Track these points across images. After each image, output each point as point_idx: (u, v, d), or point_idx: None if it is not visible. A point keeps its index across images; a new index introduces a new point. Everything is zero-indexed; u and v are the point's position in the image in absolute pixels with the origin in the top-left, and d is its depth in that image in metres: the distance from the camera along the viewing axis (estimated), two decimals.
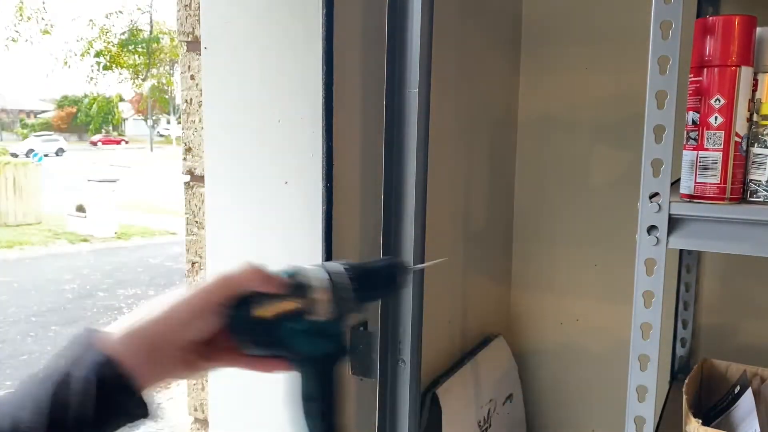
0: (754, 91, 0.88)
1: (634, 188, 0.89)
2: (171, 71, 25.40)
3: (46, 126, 32.74)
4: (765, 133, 0.88)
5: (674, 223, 0.88)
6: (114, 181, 11.68)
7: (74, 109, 30.74)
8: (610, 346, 1.69)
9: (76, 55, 22.77)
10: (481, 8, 1.52)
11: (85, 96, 28.33)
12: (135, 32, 24.10)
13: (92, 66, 22.91)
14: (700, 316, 1.57)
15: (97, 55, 22.76)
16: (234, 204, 1.08)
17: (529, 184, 1.76)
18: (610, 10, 1.62)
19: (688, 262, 1.55)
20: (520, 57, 1.74)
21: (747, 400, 1.17)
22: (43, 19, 21.95)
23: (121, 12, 23.44)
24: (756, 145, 0.89)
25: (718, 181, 0.88)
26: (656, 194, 0.87)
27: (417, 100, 0.97)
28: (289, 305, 0.64)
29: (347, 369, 1.09)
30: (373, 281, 0.71)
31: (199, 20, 1.09)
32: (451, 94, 1.40)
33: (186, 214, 1.21)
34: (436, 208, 1.18)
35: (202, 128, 1.12)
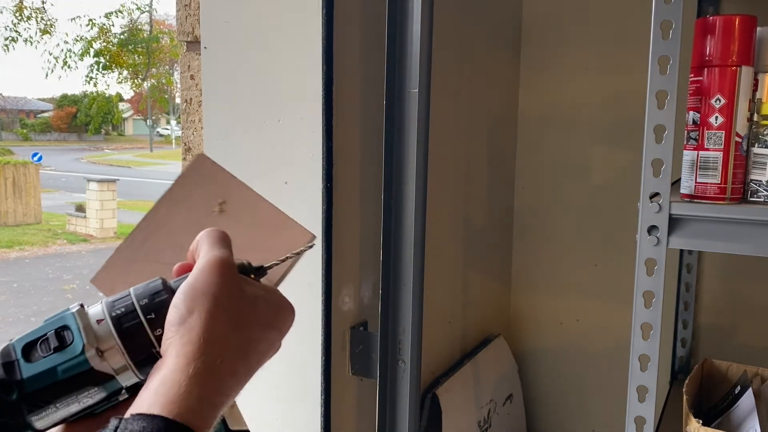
0: (754, 91, 0.88)
1: (635, 188, 0.89)
2: (171, 71, 25.39)
3: (46, 126, 32.73)
4: (765, 133, 0.88)
5: (675, 223, 0.88)
6: (114, 181, 11.68)
7: (74, 109, 30.72)
8: (611, 346, 1.68)
9: (75, 54, 22.75)
10: (481, 8, 1.52)
11: (85, 96, 28.32)
12: (135, 32, 24.09)
13: (92, 66, 22.91)
14: (700, 316, 1.57)
15: (97, 54, 22.74)
16: None
17: (529, 184, 1.76)
18: (610, 10, 1.62)
19: (688, 262, 1.55)
20: (520, 57, 1.74)
21: (747, 400, 1.17)
22: (42, 18, 21.93)
23: (120, 11, 23.41)
24: (756, 145, 0.89)
25: (719, 181, 0.88)
26: (657, 194, 0.87)
27: (417, 100, 0.97)
28: None
29: (347, 369, 1.09)
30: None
31: (198, 20, 1.09)
32: (451, 94, 1.40)
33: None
34: (436, 207, 1.18)
35: (202, 128, 1.12)
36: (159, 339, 0.49)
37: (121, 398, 0.50)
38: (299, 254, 0.60)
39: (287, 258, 0.59)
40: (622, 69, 1.60)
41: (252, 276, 0.55)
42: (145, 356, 0.49)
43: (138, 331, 0.49)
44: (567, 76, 1.69)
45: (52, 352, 0.48)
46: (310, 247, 0.61)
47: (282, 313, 0.54)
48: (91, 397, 0.48)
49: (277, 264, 0.58)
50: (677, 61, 0.83)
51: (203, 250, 0.52)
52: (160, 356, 0.48)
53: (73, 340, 0.48)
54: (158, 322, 0.49)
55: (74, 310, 0.50)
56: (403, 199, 1.00)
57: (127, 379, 0.49)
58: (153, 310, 0.50)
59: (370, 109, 1.06)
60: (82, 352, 0.48)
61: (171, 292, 0.51)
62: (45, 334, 0.49)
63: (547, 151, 1.73)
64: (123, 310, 0.50)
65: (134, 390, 0.49)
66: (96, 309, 0.50)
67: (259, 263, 0.56)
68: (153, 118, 29.34)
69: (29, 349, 0.49)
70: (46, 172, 17.08)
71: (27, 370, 0.47)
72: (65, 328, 0.49)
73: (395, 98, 0.99)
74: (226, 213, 0.66)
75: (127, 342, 0.49)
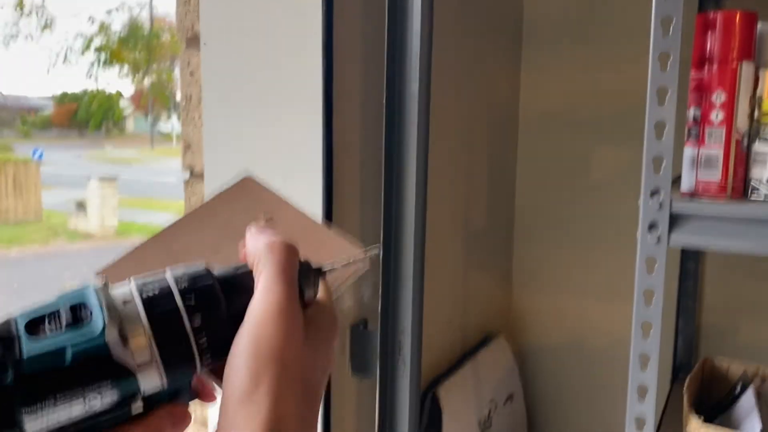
0: (755, 87, 0.88)
1: (635, 186, 0.88)
2: (171, 68, 25.39)
3: (47, 123, 32.72)
4: (766, 129, 0.88)
5: (675, 220, 0.87)
6: (115, 178, 11.68)
7: (74, 106, 30.68)
8: (611, 345, 1.68)
9: (76, 51, 22.77)
10: (481, 6, 1.51)
11: (86, 92, 28.33)
12: (135, 28, 24.10)
13: (92, 62, 22.93)
14: (701, 314, 1.57)
15: (97, 51, 22.76)
16: None
17: (530, 183, 1.76)
18: (611, 6, 1.61)
19: (689, 260, 1.54)
20: (521, 54, 1.73)
21: (748, 398, 1.17)
22: (43, 15, 21.94)
23: (121, 8, 23.46)
24: (758, 141, 0.88)
25: (720, 179, 0.87)
26: (657, 191, 0.87)
27: (417, 98, 0.97)
28: None
29: (347, 368, 1.08)
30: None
31: (198, 16, 1.09)
32: (451, 92, 1.39)
33: (186, 211, 1.21)
34: (436, 207, 1.18)
35: (202, 125, 1.11)
36: (196, 331, 0.41)
37: (133, 411, 0.41)
38: (362, 260, 0.52)
39: (349, 263, 0.51)
40: (623, 65, 1.60)
41: (310, 277, 0.47)
42: (177, 352, 0.41)
43: (173, 318, 0.40)
44: (567, 74, 1.68)
45: (63, 329, 0.39)
46: (376, 252, 0.54)
47: (334, 338, 0.47)
48: (101, 396, 0.39)
49: (335, 269, 0.50)
50: (678, 57, 0.83)
51: (264, 278, 0.44)
52: (194, 359, 0.41)
53: (91, 318, 0.39)
54: (198, 311, 0.41)
55: (97, 286, 0.41)
56: (403, 199, 1.00)
57: (148, 381, 0.40)
58: (194, 295, 0.41)
59: (370, 108, 1.06)
60: (102, 332, 0.38)
61: (215, 279, 0.43)
62: (57, 310, 0.40)
63: (548, 149, 1.73)
64: (157, 292, 0.41)
65: (149, 405, 0.42)
66: (123, 289, 0.41)
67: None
68: (154, 114, 29.31)
69: (35, 325, 0.39)
70: (47, 170, 17.08)
71: (29, 347, 0.38)
72: (82, 305, 0.40)
73: (395, 97, 0.98)
74: (272, 226, 0.59)
75: (157, 329, 0.40)
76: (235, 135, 1.06)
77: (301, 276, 0.46)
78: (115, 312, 0.39)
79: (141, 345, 0.39)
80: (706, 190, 0.88)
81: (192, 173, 1.20)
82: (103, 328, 0.38)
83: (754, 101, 0.88)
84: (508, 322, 1.80)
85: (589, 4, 1.64)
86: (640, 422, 0.90)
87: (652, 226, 0.88)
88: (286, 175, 1.02)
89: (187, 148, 1.21)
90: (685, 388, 1.18)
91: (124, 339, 0.39)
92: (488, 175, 1.64)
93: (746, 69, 0.86)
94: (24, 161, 12.61)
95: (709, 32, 0.87)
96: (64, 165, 20.68)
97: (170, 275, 0.42)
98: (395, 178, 1.00)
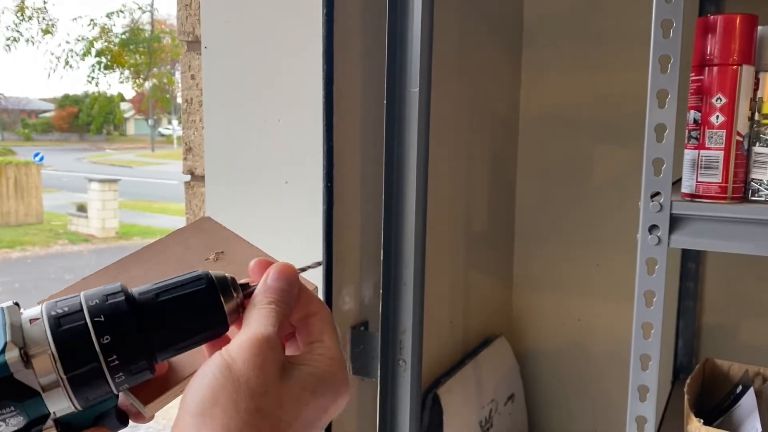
0: (755, 90, 0.88)
1: (636, 187, 0.88)
2: (172, 71, 25.40)
3: (48, 126, 32.72)
4: (766, 132, 0.88)
5: (676, 222, 0.87)
6: (115, 181, 11.69)
7: (75, 109, 30.67)
8: (612, 345, 1.68)
9: (77, 54, 22.80)
10: (482, 7, 1.52)
11: (87, 96, 28.32)
12: (136, 31, 24.13)
13: (93, 66, 22.95)
14: (702, 315, 1.57)
15: (98, 54, 22.78)
16: (234, 204, 1.08)
17: (531, 184, 1.76)
18: (611, 8, 1.62)
19: (690, 261, 1.54)
20: (522, 56, 1.73)
21: (749, 399, 1.17)
22: (44, 18, 21.98)
23: (122, 11, 23.49)
24: (758, 144, 0.88)
25: (720, 180, 0.88)
26: (657, 193, 0.87)
27: (417, 99, 0.97)
28: None
29: (348, 370, 1.08)
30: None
31: (199, 20, 1.09)
32: (451, 93, 1.40)
33: (187, 214, 1.21)
34: (436, 207, 1.18)
35: (203, 128, 1.12)
36: (105, 349, 0.39)
37: None
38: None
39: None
40: (623, 68, 1.60)
41: (235, 295, 0.46)
42: (84, 371, 0.38)
43: (80, 336, 0.39)
44: (568, 75, 1.68)
45: None
46: (314, 267, 0.56)
47: (335, 398, 0.46)
48: (5, 420, 0.37)
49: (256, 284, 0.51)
50: (678, 60, 0.83)
51: (257, 311, 0.45)
52: (105, 378, 0.39)
53: None
54: (108, 329, 0.39)
55: (4, 305, 0.40)
56: (404, 199, 1.00)
57: (56, 402, 0.38)
58: (104, 312, 0.40)
59: (370, 109, 1.06)
60: (2, 352, 0.37)
61: (129, 296, 0.42)
62: None
63: (549, 150, 1.73)
64: (66, 309, 0.39)
65: (66, 428, 0.40)
66: (33, 309, 0.40)
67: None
68: (154, 117, 29.31)
69: None
70: (48, 172, 17.08)
71: None
72: None
73: (395, 98, 0.99)
74: (222, 261, 0.62)
75: (62, 348, 0.38)
76: (236, 138, 1.06)
77: (222, 289, 0.45)
78: (18, 331, 0.38)
79: (44, 364, 0.38)
80: (707, 191, 0.88)
81: (193, 176, 1.20)
82: (4, 347, 0.37)
83: (755, 104, 0.88)
84: (509, 322, 1.80)
85: (589, 5, 1.65)
86: (640, 423, 0.90)
87: (652, 228, 0.88)
88: (286, 178, 1.02)
89: (188, 151, 1.21)
90: (685, 389, 1.18)
91: (26, 358, 0.37)
92: (489, 175, 1.65)
93: (746, 72, 0.86)
94: (25, 164, 12.61)
95: (710, 35, 0.87)
96: (65, 168, 20.68)
97: (83, 294, 0.41)
98: (396, 178, 1.00)
